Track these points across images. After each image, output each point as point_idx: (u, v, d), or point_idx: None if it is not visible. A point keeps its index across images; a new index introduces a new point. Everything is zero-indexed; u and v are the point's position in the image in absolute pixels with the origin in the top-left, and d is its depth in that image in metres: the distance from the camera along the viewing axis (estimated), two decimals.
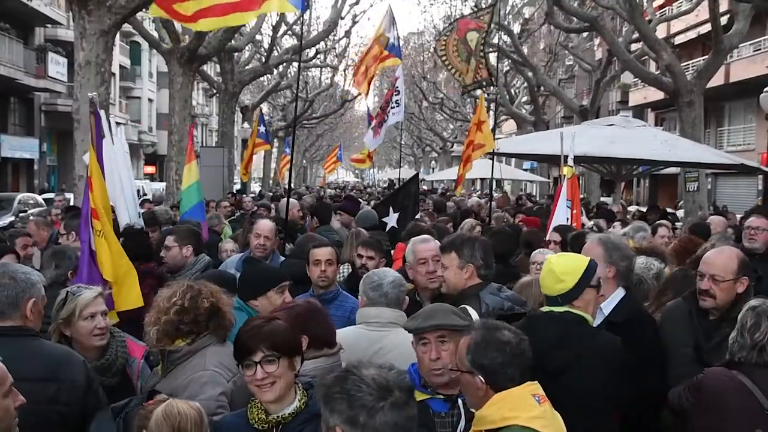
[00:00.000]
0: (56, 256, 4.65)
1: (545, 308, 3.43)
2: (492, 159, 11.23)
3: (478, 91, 13.39)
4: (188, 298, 3.28)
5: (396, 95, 10.79)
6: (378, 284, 3.76)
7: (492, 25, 10.76)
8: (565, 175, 7.83)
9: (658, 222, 8.04)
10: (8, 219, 20.29)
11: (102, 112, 6.68)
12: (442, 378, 2.92)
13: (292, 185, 13.46)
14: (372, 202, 15.38)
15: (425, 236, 4.82)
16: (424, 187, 41.41)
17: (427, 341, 2.99)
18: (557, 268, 3.37)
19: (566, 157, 8.02)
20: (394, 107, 10.79)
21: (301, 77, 33.87)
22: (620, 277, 3.87)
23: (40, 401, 2.95)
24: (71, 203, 11.07)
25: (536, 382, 2.65)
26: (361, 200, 15.48)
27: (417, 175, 9.98)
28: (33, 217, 8.46)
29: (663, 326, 4.01)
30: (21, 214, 20.99)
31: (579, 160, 9.34)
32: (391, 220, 8.41)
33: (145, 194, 19.52)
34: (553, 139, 11.07)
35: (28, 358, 3.04)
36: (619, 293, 3.86)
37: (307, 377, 2.92)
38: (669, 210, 15.45)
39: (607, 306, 3.81)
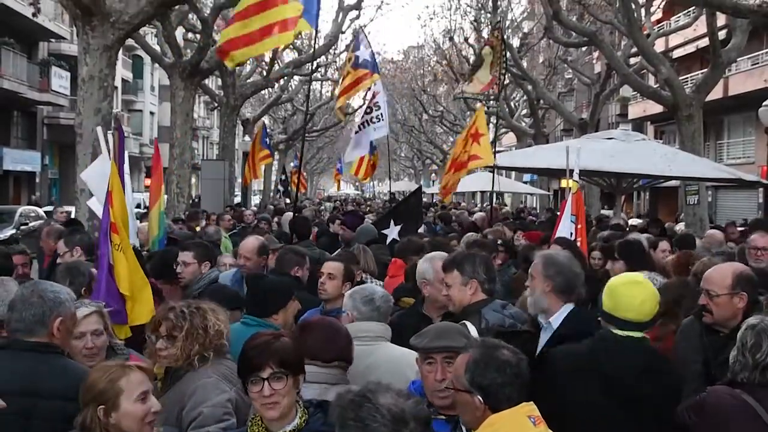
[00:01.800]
0: (70, 272, 4.60)
1: (621, 332, 3.33)
2: (493, 172, 11.26)
3: (477, 104, 13.53)
4: (222, 320, 3.38)
5: (377, 110, 10.79)
6: (370, 298, 3.77)
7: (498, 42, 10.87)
8: (570, 190, 7.81)
9: (657, 237, 8.06)
10: (9, 232, 20.28)
11: (100, 129, 6.71)
12: (446, 400, 2.87)
13: (292, 198, 13.39)
14: (371, 215, 15.43)
15: (446, 254, 4.76)
16: (423, 200, 41.42)
17: (434, 361, 2.96)
18: (655, 291, 3.40)
19: (572, 171, 8.01)
20: (376, 122, 10.80)
21: (302, 91, 33.85)
22: (559, 290, 3.88)
23: (57, 419, 2.97)
24: (72, 216, 11.09)
25: (532, 402, 2.61)
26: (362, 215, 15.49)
27: (420, 188, 9.96)
28: (48, 226, 8.37)
29: (677, 343, 4.08)
30: (22, 227, 21.01)
31: (579, 173, 9.38)
32: (392, 232, 8.41)
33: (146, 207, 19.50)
34: (554, 153, 11.14)
35: (49, 375, 3.06)
36: (567, 308, 3.89)
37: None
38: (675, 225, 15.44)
39: (556, 321, 3.85)
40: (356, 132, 11.09)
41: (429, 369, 2.97)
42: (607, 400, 3.19)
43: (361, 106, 11.46)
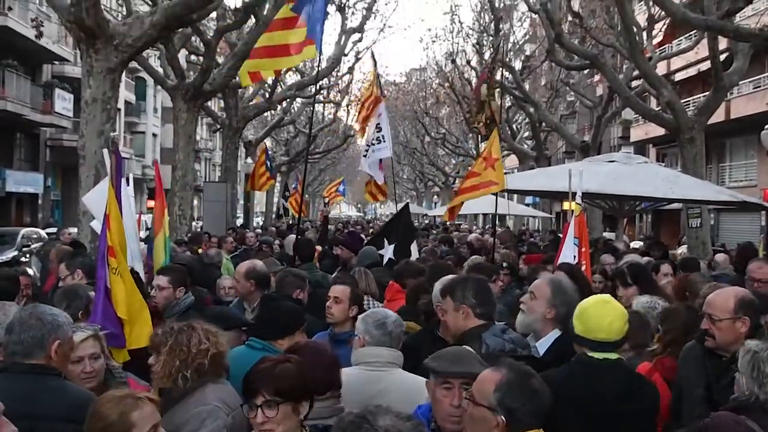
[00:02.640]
0: (67, 296, 4.58)
1: (598, 355, 3.34)
2: (495, 195, 11.18)
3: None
4: (213, 342, 3.33)
5: (378, 132, 10.82)
6: (382, 322, 3.72)
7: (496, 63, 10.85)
8: (572, 212, 7.76)
9: (659, 260, 8.02)
10: (11, 254, 20.31)
11: (106, 152, 6.72)
12: (458, 425, 2.85)
13: (293, 220, 13.27)
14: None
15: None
16: (425, 222, 41.52)
17: (451, 386, 2.94)
18: (623, 310, 3.45)
19: (574, 194, 7.98)
20: (376, 144, 10.83)
21: (304, 113, 33.95)
22: (558, 319, 3.91)
23: None
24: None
25: (542, 429, 2.63)
26: (363, 236, 15.43)
27: (407, 205, 9.87)
28: (57, 246, 8.34)
29: (679, 367, 4.05)
30: (24, 249, 21.03)
31: (581, 196, 9.35)
32: (387, 252, 8.40)
33: (149, 228, 19.49)
34: (556, 175, 11.10)
35: (49, 397, 3.07)
36: (555, 334, 3.92)
37: None
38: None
39: (543, 345, 3.87)
40: (363, 155, 11.16)
41: (445, 393, 2.94)
42: (588, 424, 3.18)
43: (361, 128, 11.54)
